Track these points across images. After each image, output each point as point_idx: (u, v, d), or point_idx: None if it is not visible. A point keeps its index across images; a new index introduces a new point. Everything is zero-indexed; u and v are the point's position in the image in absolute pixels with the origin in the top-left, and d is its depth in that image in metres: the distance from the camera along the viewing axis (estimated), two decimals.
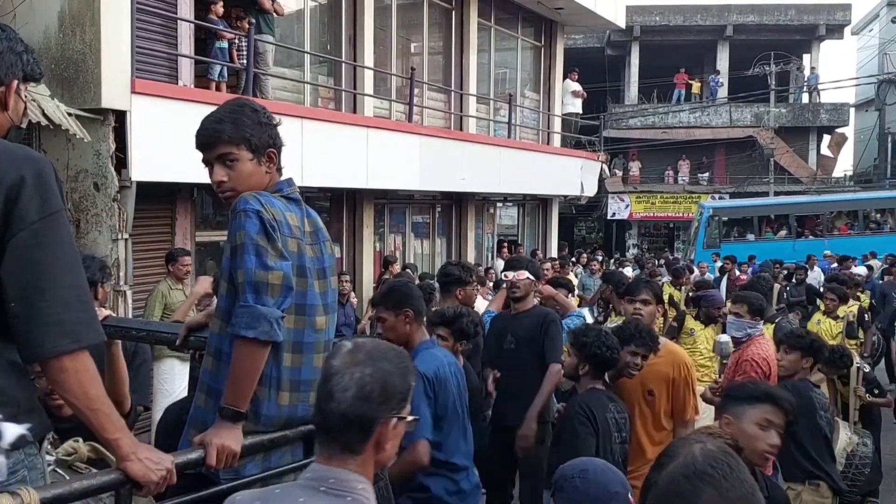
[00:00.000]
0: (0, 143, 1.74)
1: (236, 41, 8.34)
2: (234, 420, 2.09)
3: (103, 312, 2.66)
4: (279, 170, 2.36)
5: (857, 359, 5.87)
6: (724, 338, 5.73)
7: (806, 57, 28.20)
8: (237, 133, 2.24)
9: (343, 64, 10.45)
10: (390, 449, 1.63)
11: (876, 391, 5.66)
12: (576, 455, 2.91)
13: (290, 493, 1.62)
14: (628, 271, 12.90)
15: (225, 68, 8.19)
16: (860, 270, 13.73)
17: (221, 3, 8.05)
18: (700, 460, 1.39)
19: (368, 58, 10.68)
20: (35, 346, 1.67)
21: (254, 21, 8.27)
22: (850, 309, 8.32)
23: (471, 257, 13.31)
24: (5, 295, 1.66)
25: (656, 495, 1.42)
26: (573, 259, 15.35)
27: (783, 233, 20.48)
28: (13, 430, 1.67)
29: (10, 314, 1.65)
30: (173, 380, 6.41)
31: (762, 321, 5.03)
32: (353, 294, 9.57)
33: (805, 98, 27.89)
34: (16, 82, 1.84)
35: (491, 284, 9.93)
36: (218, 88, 8.11)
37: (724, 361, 4.96)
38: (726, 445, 1.51)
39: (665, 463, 1.45)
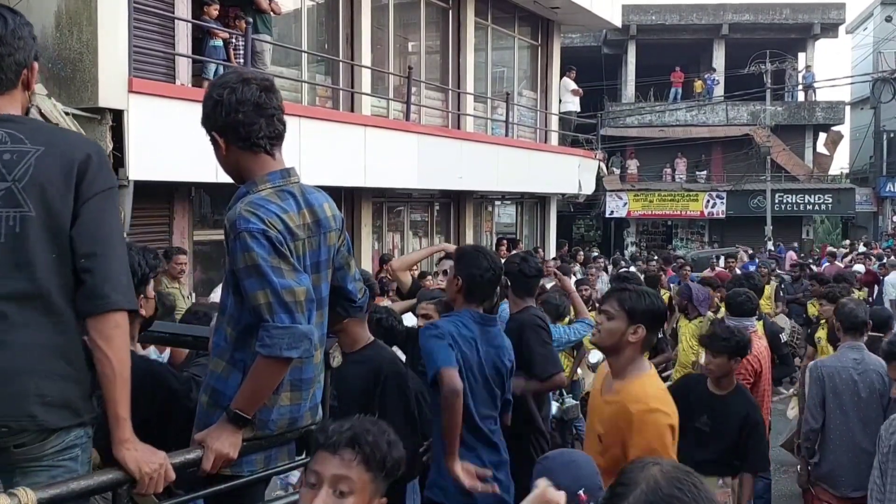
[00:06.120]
0: (59, 128, 1.91)
1: (233, 41, 8.33)
2: (240, 424, 2.07)
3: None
4: (266, 150, 2.19)
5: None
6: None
7: (801, 55, 28.23)
8: (205, 123, 2.22)
9: (340, 63, 10.45)
10: None
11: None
12: None
13: None
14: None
15: (220, 67, 8.17)
16: (860, 268, 13.73)
17: (216, 6, 8.03)
18: (664, 484, 1.28)
19: (366, 57, 10.67)
20: (99, 297, 1.81)
21: (251, 21, 8.26)
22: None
23: None
24: (76, 251, 1.83)
25: None
26: (570, 256, 15.30)
27: None
28: None
29: (79, 268, 1.83)
30: None
31: (753, 318, 5.03)
32: None
33: (801, 96, 27.94)
34: (36, 64, 1.97)
35: None
36: None
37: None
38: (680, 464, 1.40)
39: (624, 493, 1.31)
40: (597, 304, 8.13)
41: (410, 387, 3.32)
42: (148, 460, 1.83)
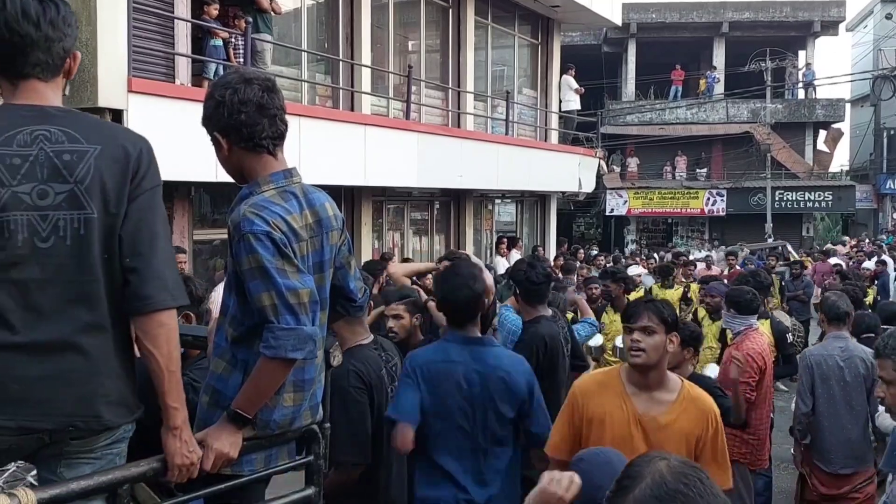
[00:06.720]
0: (108, 123, 1.93)
1: (233, 40, 8.33)
2: (240, 424, 2.08)
3: None
4: (269, 150, 2.19)
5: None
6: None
7: (801, 53, 28.24)
8: (206, 124, 2.22)
9: (340, 62, 10.44)
10: None
11: None
12: None
13: None
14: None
15: (220, 67, 8.17)
16: (869, 265, 13.70)
17: (216, 6, 8.03)
18: (670, 479, 1.26)
19: (366, 56, 10.67)
20: (143, 298, 1.84)
21: (251, 20, 8.26)
22: None
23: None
24: (122, 250, 1.84)
25: None
26: (570, 254, 15.29)
27: None
28: None
29: (124, 268, 1.85)
30: None
31: (756, 316, 5.02)
32: None
33: (801, 94, 27.94)
34: (78, 53, 1.96)
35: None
36: None
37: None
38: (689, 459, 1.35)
39: (629, 486, 1.29)
40: (600, 302, 8.25)
41: (357, 404, 2.98)
42: (186, 453, 1.92)
